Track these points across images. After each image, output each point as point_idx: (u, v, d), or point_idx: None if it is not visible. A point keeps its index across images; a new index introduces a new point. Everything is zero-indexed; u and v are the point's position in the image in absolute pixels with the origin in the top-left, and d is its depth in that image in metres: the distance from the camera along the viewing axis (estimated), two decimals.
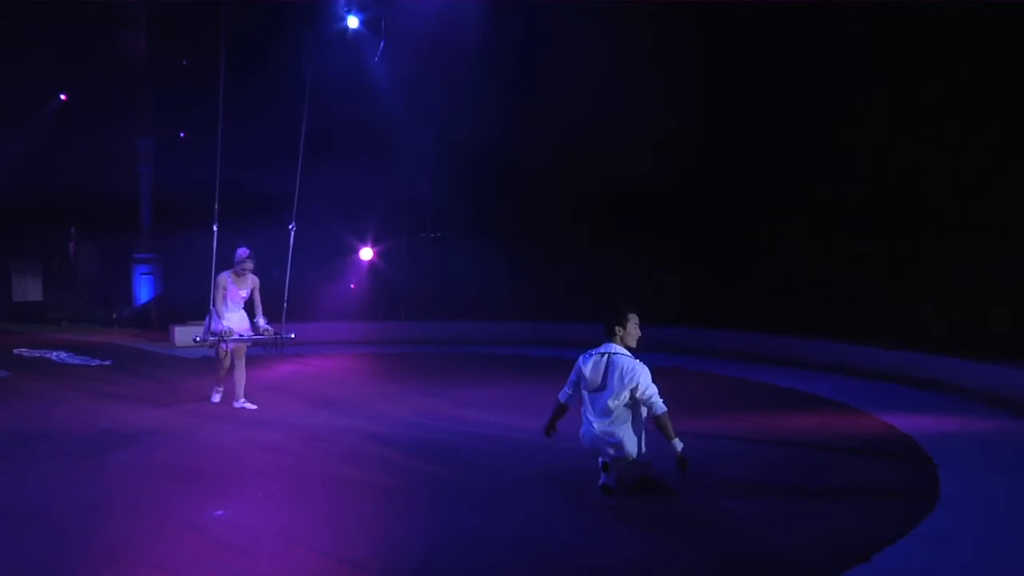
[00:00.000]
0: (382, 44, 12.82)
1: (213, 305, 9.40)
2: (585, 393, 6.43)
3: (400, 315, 17.58)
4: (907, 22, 12.62)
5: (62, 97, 20.97)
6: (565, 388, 6.60)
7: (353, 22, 11.68)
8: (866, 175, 13.77)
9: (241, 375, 9.65)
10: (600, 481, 6.31)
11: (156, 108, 20.21)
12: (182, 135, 21.58)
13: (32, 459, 7.32)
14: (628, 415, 6.29)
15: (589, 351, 6.55)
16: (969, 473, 6.80)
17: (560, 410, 6.64)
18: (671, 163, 15.01)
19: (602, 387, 6.32)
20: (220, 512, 5.81)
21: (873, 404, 9.75)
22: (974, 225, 12.28)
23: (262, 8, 15.43)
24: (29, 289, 24.35)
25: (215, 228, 9.58)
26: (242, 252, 9.69)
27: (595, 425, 6.30)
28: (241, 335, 9.55)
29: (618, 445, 6.23)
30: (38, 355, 14.78)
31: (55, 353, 14.93)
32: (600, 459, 6.35)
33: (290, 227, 9.75)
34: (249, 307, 9.68)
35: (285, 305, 10.04)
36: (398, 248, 18.02)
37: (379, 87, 14.02)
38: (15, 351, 15.23)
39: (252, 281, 9.68)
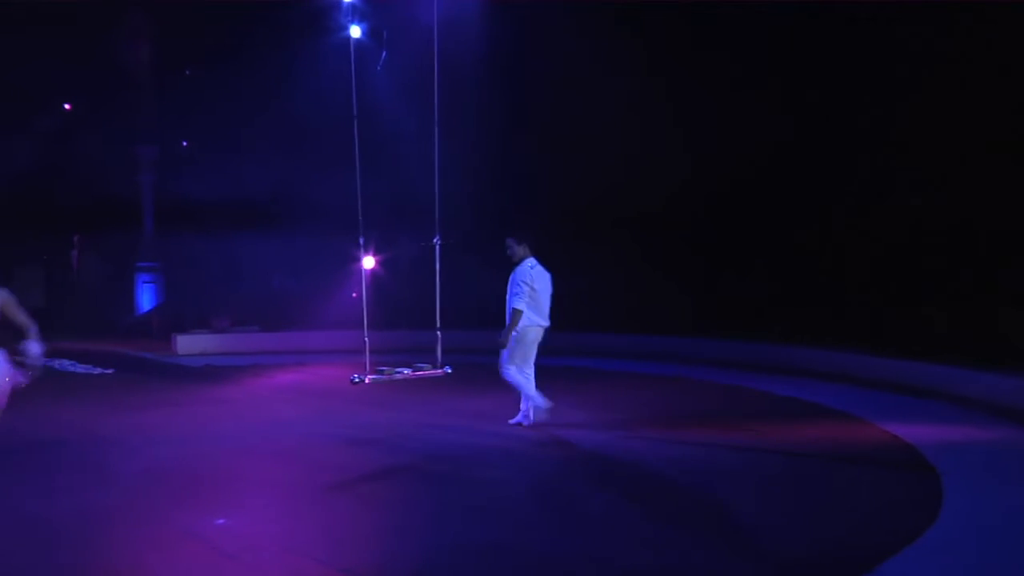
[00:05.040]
0: (384, 54, 12.81)
1: None
2: (539, 297, 8.40)
3: (402, 324, 17.54)
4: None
5: (66, 107, 21.06)
6: (523, 299, 8.30)
7: (356, 32, 11.66)
8: (867, 183, 13.80)
9: None
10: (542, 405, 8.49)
11: (160, 117, 20.26)
12: (184, 144, 21.65)
13: (32, 466, 7.34)
14: None
15: (528, 265, 8.44)
16: (973, 482, 6.76)
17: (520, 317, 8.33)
18: (674, 173, 15.06)
19: (545, 289, 8.53)
20: (220, 521, 5.79)
21: (875, 413, 9.68)
22: (976, 232, 12.30)
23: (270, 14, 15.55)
24: (31, 297, 24.36)
25: (361, 240, 9.34)
26: None
27: (546, 321, 8.53)
28: None
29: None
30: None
31: (57, 361, 14.93)
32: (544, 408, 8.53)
33: (435, 241, 9.57)
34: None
35: (439, 333, 9.76)
36: (401, 257, 18.00)
37: (383, 96, 14.04)
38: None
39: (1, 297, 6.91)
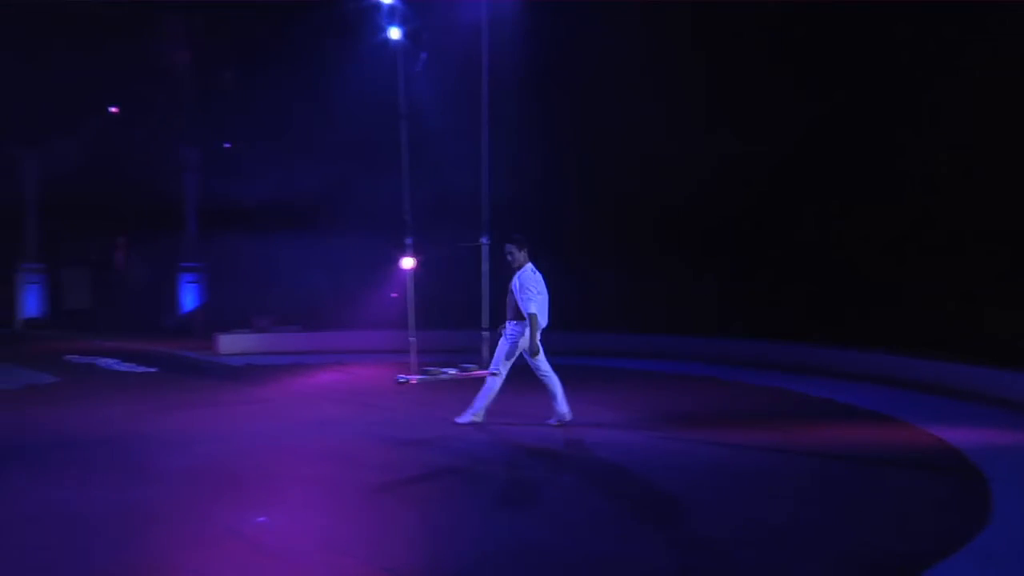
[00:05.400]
0: (424, 56, 12.86)
1: None
2: (543, 300, 8.53)
3: (442, 324, 17.58)
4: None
5: (112, 110, 21.42)
6: (535, 303, 8.40)
7: (395, 33, 11.72)
8: (906, 183, 13.59)
9: None
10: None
11: (202, 119, 20.50)
12: (227, 145, 21.90)
13: (74, 463, 7.44)
14: None
15: (530, 270, 8.53)
16: (1023, 488, 6.62)
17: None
18: (711, 173, 14.98)
19: (544, 292, 8.64)
20: (262, 519, 5.84)
21: (916, 415, 9.50)
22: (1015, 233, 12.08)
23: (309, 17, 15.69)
24: (79, 297, 24.91)
25: (409, 240, 9.54)
26: None
27: (546, 321, 8.60)
28: None
29: None
30: (87, 362, 15.06)
31: (103, 360, 15.21)
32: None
33: (483, 241, 9.63)
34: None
35: (486, 333, 9.77)
36: (443, 257, 18.05)
37: (420, 98, 14.12)
38: (65, 357, 15.55)
39: None
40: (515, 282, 8.64)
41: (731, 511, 6.06)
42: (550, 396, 8.83)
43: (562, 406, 8.81)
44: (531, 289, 8.54)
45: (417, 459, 7.67)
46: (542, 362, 8.72)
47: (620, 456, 7.69)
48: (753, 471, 7.21)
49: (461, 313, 15.87)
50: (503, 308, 8.90)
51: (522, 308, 8.54)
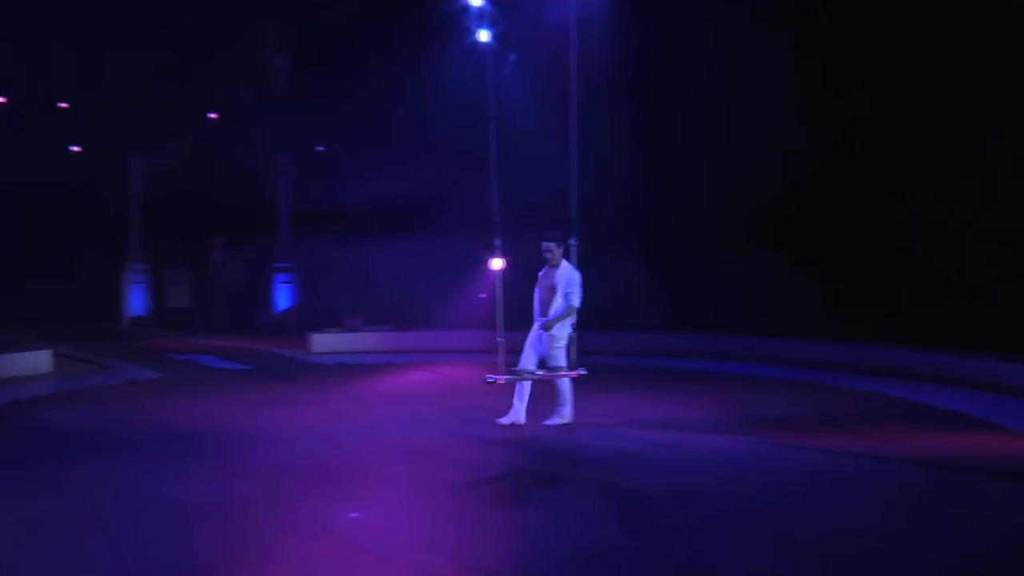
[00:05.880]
0: (513, 58, 12.91)
1: None
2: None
3: (530, 324, 17.62)
4: None
5: (212, 116, 22.16)
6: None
7: (484, 36, 11.79)
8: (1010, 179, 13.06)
9: None
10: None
11: (296, 122, 20.98)
12: (319, 148, 22.40)
13: (174, 456, 7.72)
14: None
15: (572, 268, 8.82)
16: None
17: None
18: (813, 172, 14.67)
19: None
20: (354, 514, 5.95)
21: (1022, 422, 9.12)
22: None
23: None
24: (179, 296, 25.87)
25: (498, 242, 9.88)
26: None
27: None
28: None
29: None
30: (186, 359, 15.61)
31: (201, 357, 15.74)
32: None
33: (571, 242, 9.74)
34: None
35: (574, 334, 9.90)
36: (530, 258, 18.08)
37: (508, 99, 14.20)
38: (166, 354, 16.15)
39: None
40: (561, 278, 8.79)
41: (826, 525, 5.85)
42: (519, 396, 8.94)
43: (520, 413, 8.89)
44: (579, 286, 8.79)
45: (503, 459, 7.71)
46: (561, 359, 8.79)
47: (710, 460, 7.58)
48: (852, 478, 6.99)
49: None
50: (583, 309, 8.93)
51: (570, 300, 8.73)
